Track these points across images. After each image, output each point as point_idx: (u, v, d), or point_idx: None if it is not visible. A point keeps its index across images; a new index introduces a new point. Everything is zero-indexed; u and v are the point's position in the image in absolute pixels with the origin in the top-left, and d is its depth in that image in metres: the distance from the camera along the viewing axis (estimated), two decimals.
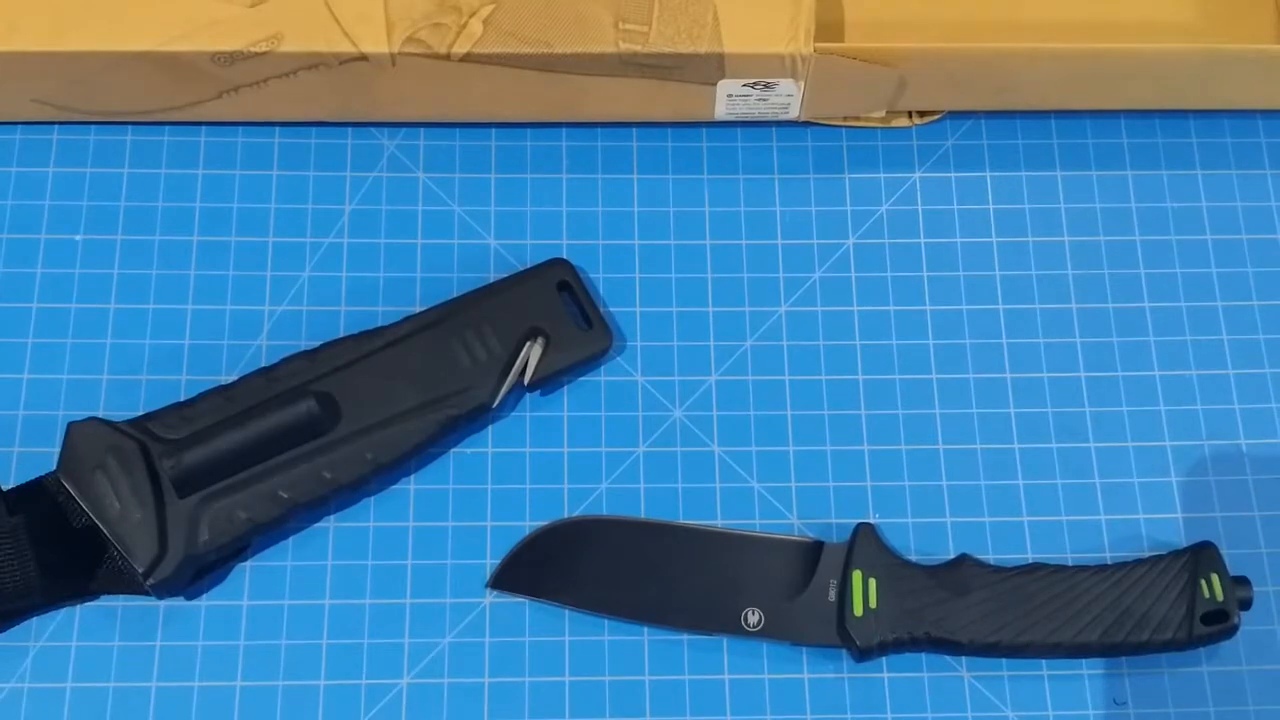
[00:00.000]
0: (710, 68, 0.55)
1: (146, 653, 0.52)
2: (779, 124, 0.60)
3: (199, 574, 0.52)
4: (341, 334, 0.55)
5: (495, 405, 0.54)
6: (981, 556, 0.53)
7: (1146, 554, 0.53)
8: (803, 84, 0.56)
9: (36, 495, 0.51)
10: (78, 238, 0.58)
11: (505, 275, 0.56)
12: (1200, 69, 0.57)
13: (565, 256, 0.57)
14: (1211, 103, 0.60)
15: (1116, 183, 0.60)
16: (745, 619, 0.52)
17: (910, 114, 0.61)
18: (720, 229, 0.59)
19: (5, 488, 0.52)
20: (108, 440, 0.51)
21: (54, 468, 0.52)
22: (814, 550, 0.53)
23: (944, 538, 0.55)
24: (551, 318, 0.55)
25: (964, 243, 0.59)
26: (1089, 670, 0.53)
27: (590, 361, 0.56)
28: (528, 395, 0.56)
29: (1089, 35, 0.60)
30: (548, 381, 0.55)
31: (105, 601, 0.52)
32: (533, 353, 0.55)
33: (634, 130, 0.60)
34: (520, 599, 0.53)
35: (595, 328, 0.56)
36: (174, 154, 0.59)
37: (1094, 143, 0.61)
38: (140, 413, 0.53)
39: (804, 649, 0.53)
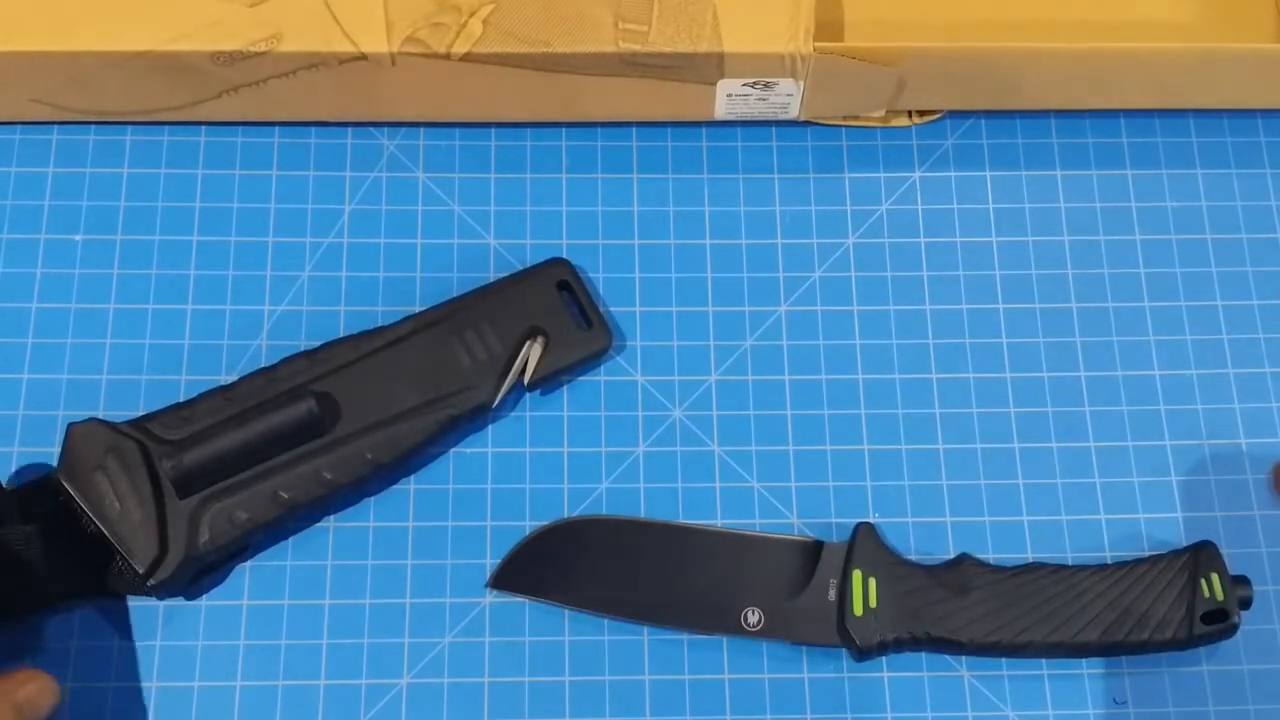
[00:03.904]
0: (710, 67, 0.55)
1: (146, 653, 0.52)
2: (779, 123, 0.60)
3: (199, 574, 0.52)
4: (341, 334, 0.55)
5: (495, 405, 0.54)
6: (981, 556, 0.53)
7: (1146, 554, 0.53)
8: (802, 83, 0.56)
9: (43, 499, 0.51)
10: (78, 238, 0.57)
11: (505, 275, 0.56)
12: (1200, 69, 0.57)
13: (565, 256, 0.57)
14: (1211, 102, 0.60)
15: (1116, 182, 0.60)
16: (745, 619, 0.52)
17: (910, 113, 0.61)
18: (720, 229, 0.59)
19: (7, 489, 0.52)
20: (108, 441, 0.51)
21: (54, 468, 0.52)
22: (814, 550, 0.53)
23: (944, 537, 0.55)
24: (551, 317, 0.55)
25: (964, 242, 0.59)
26: (1089, 670, 0.53)
27: (590, 361, 0.56)
28: (528, 395, 0.56)
29: (1089, 35, 0.60)
30: (548, 381, 0.55)
31: (105, 601, 0.52)
32: (533, 352, 0.55)
33: (634, 130, 0.60)
34: (520, 599, 0.53)
35: (595, 327, 0.56)
36: (174, 154, 0.59)
37: (1094, 142, 0.61)
38: (140, 413, 0.53)
39: (804, 649, 0.53)
